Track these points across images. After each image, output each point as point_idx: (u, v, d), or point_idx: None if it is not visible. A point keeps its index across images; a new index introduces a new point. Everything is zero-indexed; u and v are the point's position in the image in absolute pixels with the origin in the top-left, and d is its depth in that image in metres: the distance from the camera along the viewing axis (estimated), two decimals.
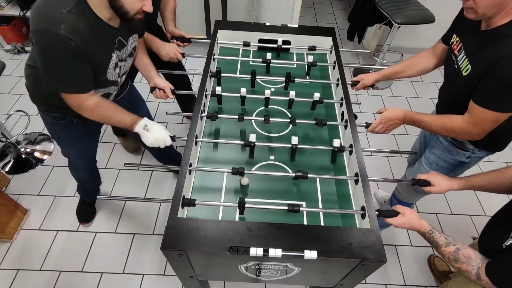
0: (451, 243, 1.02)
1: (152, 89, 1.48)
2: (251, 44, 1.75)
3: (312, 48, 1.74)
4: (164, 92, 1.47)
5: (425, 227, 1.06)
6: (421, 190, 1.57)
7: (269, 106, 1.52)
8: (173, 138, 1.31)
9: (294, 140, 1.26)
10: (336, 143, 1.27)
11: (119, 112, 1.25)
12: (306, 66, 1.69)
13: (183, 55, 1.68)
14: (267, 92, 1.44)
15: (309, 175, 1.25)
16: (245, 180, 1.22)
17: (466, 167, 1.44)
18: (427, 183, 1.18)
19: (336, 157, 1.34)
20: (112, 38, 1.16)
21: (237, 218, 1.14)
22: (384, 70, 1.55)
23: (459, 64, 1.19)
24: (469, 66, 1.13)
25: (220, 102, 1.51)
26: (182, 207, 1.08)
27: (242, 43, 1.74)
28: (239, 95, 1.46)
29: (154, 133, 1.27)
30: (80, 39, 1.01)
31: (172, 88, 1.48)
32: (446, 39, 1.35)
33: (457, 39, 1.24)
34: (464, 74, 1.15)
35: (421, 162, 1.54)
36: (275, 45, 1.75)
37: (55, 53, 1.00)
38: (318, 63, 1.76)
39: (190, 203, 1.07)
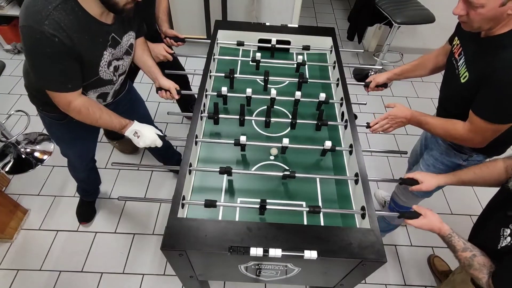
0: (468, 248, 1.02)
1: (158, 90, 1.48)
2: (251, 44, 1.75)
3: (306, 48, 1.74)
4: (170, 93, 1.46)
5: (445, 230, 1.06)
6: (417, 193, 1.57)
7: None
8: (162, 138, 1.30)
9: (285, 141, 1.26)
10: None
11: (107, 114, 1.23)
12: (296, 65, 1.70)
13: (172, 55, 1.69)
14: (273, 92, 1.43)
15: (309, 175, 1.25)
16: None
17: None
18: (414, 182, 1.19)
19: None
20: (104, 35, 1.14)
21: (237, 218, 1.14)
22: (396, 69, 1.55)
23: (459, 69, 1.18)
24: (467, 73, 1.13)
25: (225, 102, 1.50)
26: (183, 207, 1.08)
27: (236, 42, 1.74)
28: (244, 95, 1.46)
29: (145, 140, 1.26)
30: (65, 36, 0.99)
31: (178, 88, 1.47)
32: (451, 40, 1.35)
33: (458, 42, 1.23)
34: (462, 81, 1.15)
35: (419, 164, 1.54)
36: (275, 45, 1.75)
37: (40, 50, 0.99)
38: (318, 63, 1.77)
39: (211, 204, 1.06)
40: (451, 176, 1.17)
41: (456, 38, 1.26)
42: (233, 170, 1.17)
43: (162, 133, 1.32)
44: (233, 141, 1.33)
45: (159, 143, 1.29)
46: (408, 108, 1.32)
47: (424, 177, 1.18)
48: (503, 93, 1.00)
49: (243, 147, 1.28)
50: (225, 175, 1.26)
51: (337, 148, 1.30)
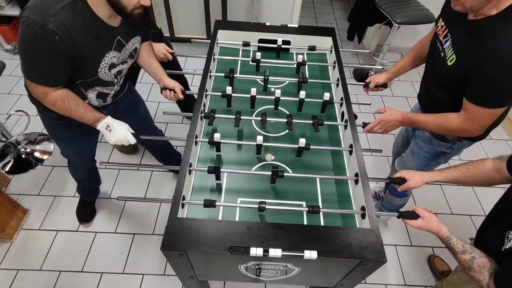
0: (467, 251, 1.02)
1: (163, 89, 1.48)
2: (251, 44, 1.75)
3: (312, 48, 1.74)
4: (175, 92, 1.46)
5: (442, 233, 1.06)
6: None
7: (267, 107, 1.53)
8: (136, 136, 1.30)
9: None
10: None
11: (82, 108, 1.22)
12: (296, 65, 1.70)
13: (172, 54, 1.69)
14: (278, 92, 1.43)
15: (309, 175, 1.25)
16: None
17: (448, 157, 1.45)
18: (402, 181, 1.19)
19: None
20: (110, 38, 1.15)
21: (237, 218, 1.14)
22: (392, 68, 1.55)
23: (445, 52, 1.18)
24: (454, 56, 1.12)
25: (229, 104, 1.50)
26: (183, 207, 1.08)
27: (242, 43, 1.74)
28: (244, 95, 1.46)
29: (116, 134, 1.26)
30: (68, 35, 1.01)
31: (182, 88, 1.47)
32: (436, 22, 1.34)
33: (443, 24, 1.23)
34: (449, 63, 1.14)
35: (406, 152, 1.59)
36: (275, 45, 1.75)
37: (35, 43, 1.00)
38: (318, 63, 1.77)
39: (211, 204, 1.06)
40: (438, 174, 1.18)
41: (441, 20, 1.25)
42: (222, 170, 1.17)
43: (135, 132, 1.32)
44: (232, 141, 1.34)
45: (131, 139, 1.29)
46: (398, 111, 1.33)
47: (411, 175, 1.18)
48: (496, 79, 1.01)
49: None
50: (225, 175, 1.26)
51: (337, 148, 1.31)
